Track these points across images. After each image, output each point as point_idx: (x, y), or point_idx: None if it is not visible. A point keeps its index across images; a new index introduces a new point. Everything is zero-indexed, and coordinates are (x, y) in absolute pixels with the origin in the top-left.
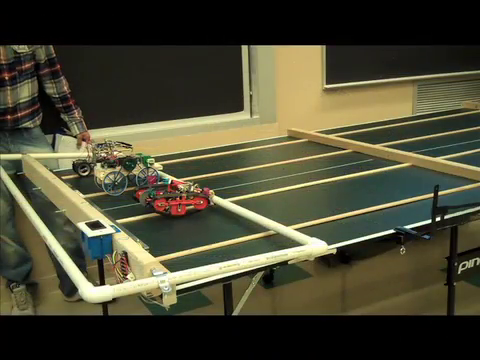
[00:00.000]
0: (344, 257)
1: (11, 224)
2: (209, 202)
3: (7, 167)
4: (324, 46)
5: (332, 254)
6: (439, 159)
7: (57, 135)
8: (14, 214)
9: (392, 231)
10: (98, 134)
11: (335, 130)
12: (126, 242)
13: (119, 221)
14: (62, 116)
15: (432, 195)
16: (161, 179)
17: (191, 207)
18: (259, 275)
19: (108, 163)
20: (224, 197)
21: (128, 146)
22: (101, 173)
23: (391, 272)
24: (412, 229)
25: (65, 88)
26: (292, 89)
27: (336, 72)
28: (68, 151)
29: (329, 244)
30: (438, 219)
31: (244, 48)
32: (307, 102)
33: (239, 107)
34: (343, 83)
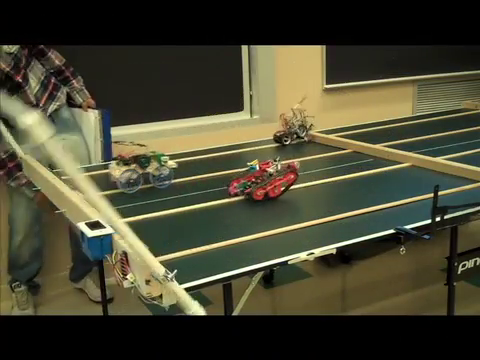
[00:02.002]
0: (344, 257)
1: (38, 227)
2: (297, 175)
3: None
4: (324, 46)
5: (332, 254)
6: (439, 159)
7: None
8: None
9: (392, 231)
10: None
11: (335, 130)
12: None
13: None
14: (64, 89)
15: (432, 195)
16: (251, 167)
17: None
18: (259, 275)
19: (123, 161)
20: (223, 197)
21: (141, 145)
22: (117, 171)
23: (391, 272)
24: (412, 229)
25: (56, 62)
26: (292, 89)
27: (336, 72)
28: (78, 121)
29: (329, 244)
30: (438, 219)
31: (244, 48)
32: (307, 102)
33: (239, 107)
34: (343, 83)
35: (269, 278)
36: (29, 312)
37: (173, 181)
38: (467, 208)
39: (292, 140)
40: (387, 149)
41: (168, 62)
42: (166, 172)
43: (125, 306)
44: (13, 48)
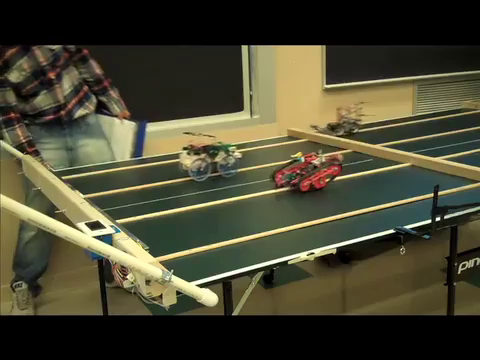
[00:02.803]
0: (344, 257)
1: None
2: (341, 167)
3: (61, 162)
4: (324, 46)
5: (332, 254)
6: (439, 159)
7: (97, 116)
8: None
9: (392, 231)
10: None
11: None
12: (126, 242)
13: (119, 221)
14: (100, 98)
15: (432, 195)
16: (295, 159)
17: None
18: (259, 275)
19: (194, 151)
20: (223, 197)
21: (211, 136)
22: (188, 160)
23: (391, 272)
24: (412, 229)
25: (97, 71)
26: (292, 89)
27: (336, 72)
28: (108, 130)
29: (329, 244)
30: (438, 219)
31: (244, 48)
32: (307, 102)
33: (239, 107)
34: (343, 83)
35: (269, 278)
36: (28, 312)
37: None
38: (467, 208)
39: (344, 132)
40: (387, 149)
41: (168, 62)
42: (232, 161)
43: (125, 306)
44: (55, 46)
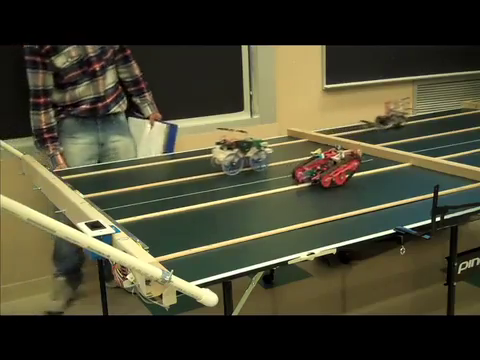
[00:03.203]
0: (344, 257)
1: None
2: (361, 162)
3: (92, 157)
4: (324, 46)
5: (332, 254)
6: (439, 159)
7: (129, 118)
8: None
9: (392, 231)
10: None
11: (335, 130)
12: (126, 242)
13: (119, 221)
14: (134, 99)
15: (432, 195)
16: (316, 156)
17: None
18: (259, 275)
19: (227, 145)
20: (223, 197)
21: (242, 131)
22: (221, 154)
23: (391, 272)
24: (412, 229)
25: (136, 72)
26: (292, 89)
27: (336, 72)
28: (138, 132)
29: (329, 244)
30: (438, 219)
31: (244, 48)
32: (307, 102)
33: (239, 107)
34: (343, 83)
35: (269, 278)
36: (57, 304)
37: (173, 179)
38: (467, 208)
39: (393, 125)
40: (387, 149)
41: (168, 62)
42: (263, 156)
43: (125, 306)
44: None
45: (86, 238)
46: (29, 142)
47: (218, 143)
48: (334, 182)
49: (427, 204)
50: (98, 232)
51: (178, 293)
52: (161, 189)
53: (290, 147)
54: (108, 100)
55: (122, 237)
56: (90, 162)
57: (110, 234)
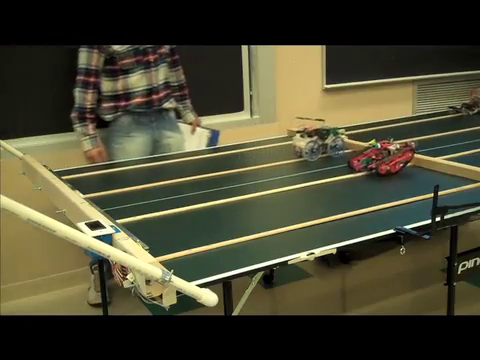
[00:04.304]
0: (344, 257)
1: None
2: (415, 152)
3: (145, 154)
4: (324, 46)
5: (332, 254)
6: (439, 159)
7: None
8: None
9: (392, 231)
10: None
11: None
12: (126, 242)
13: (119, 221)
14: (177, 104)
15: (432, 195)
16: (370, 146)
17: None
18: (259, 275)
19: (307, 133)
20: (223, 197)
21: (320, 120)
22: (302, 142)
23: (391, 272)
24: (412, 229)
25: (182, 77)
26: (292, 89)
27: (336, 72)
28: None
29: (329, 244)
30: (438, 219)
31: (244, 48)
32: (307, 102)
33: (239, 107)
34: (343, 83)
35: (269, 278)
36: (98, 296)
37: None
38: (467, 208)
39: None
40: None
41: None
42: (340, 143)
43: (125, 306)
44: None
45: (86, 238)
46: (29, 142)
47: (298, 131)
48: (389, 170)
49: (427, 204)
50: (98, 232)
51: (178, 293)
52: (161, 189)
53: (290, 147)
54: (161, 94)
55: (122, 237)
56: None
57: (110, 234)
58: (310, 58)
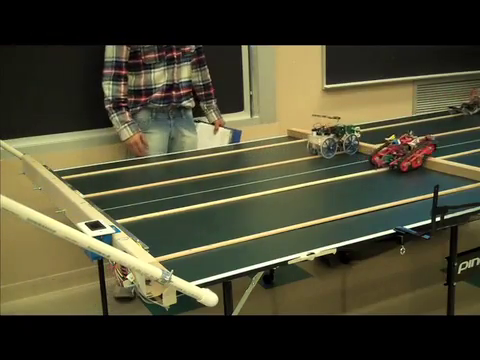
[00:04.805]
0: (344, 257)
1: None
2: (436, 146)
3: (163, 151)
4: (324, 46)
5: (332, 254)
6: (439, 159)
7: (198, 124)
8: None
9: (392, 231)
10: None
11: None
12: (126, 242)
13: (119, 221)
14: (201, 104)
15: (432, 195)
16: (389, 141)
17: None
18: (259, 275)
19: (324, 131)
20: (223, 197)
21: (337, 118)
22: (319, 139)
23: (391, 272)
24: (412, 229)
25: (208, 77)
26: (292, 89)
27: (336, 72)
28: (205, 137)
29: (329, 244)
30: (438, 219)
31: (244, 48)
32: (307, 102)
33: (239, 107)
34: (343, 83)
35: (269, 278)
36: (128, 293)
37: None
38: (467, 208)
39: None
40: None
41: None
42: (354, 141)
43: (125, 306)
44: None
45: (86, 238)
46: (29, 142)
47: (314, 129)
48: (411, 166)
49: (427, 204)
50: (98, 232)
51: (178, 293)
52: (161, 189)
53: (290, 147)
54: (182, 91)
55: (122, 237)
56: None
57: (110, 234)
58: (310, 58)
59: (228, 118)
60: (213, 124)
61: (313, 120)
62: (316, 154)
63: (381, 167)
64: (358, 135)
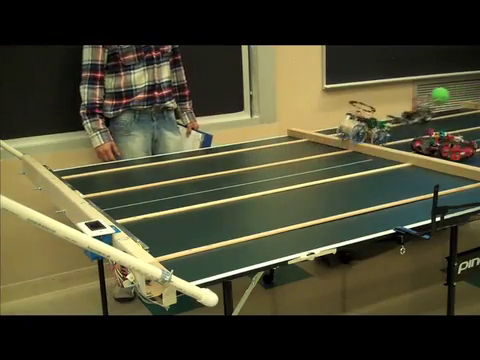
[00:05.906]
0: (344, 257)
1: None
2: (475, 150)
3: (147, 153)
4: (324, 46)
5: (332, 254)
6: (439, 159)
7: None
8: None
9: (392, 231)
10: None
11: (335, 130)
12: (126, 242)
13: (119, 221)
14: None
15: (432, 195)
16: (440, 134)
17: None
18: (259, 275)
19: (357, 117)
20: (223, 197)
21: (372, 109)
22: (351, 123)
23: (391, 272)
24: (412, 229)
25: (183, 78)
26: (292, 89)
27: (336, 72)
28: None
29: (329, 244)
30: (438, 219)
31: (244, 48)
32: (307, 102)
33: (239, 107)
34: (343, 83)
35: (269, 278)
36: (128, 293)
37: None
38: (467, 208)
39: (419, 120)
40: (387, 149)
41: None
42: (383, 137)
43: (125, 306)
44: None
45: (86, 238)
46: (29, 142)
47: (348, 114)
48: (449, 156)
49: (427, 204)
50: (98, 232)
51: (178, 293)
52: (161, 189)
53: (290, 147)
54: (164, 92)
55: (122, 237)
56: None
57: (110, 234)
58: (310, 58)
59: (228, 118)
60: (186, 126)
61: (313, 120)
62: (343, 138)
63: (419, 149)
64: (388, 135)
